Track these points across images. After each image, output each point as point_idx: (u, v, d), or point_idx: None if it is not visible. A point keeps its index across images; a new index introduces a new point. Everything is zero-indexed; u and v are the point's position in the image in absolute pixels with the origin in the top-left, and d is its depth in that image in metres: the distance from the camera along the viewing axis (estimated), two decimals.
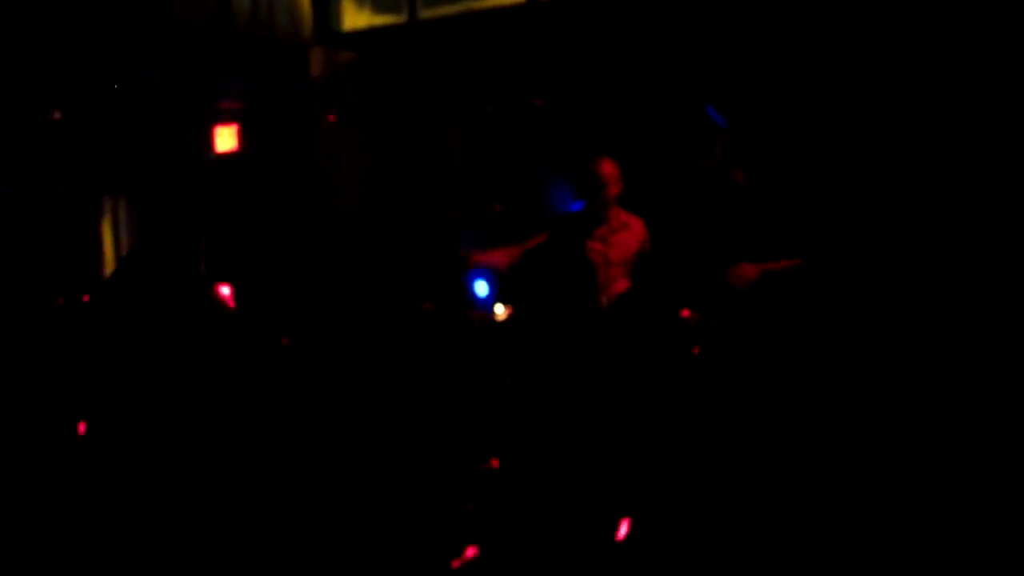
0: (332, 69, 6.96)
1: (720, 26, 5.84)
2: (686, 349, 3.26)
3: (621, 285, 4.39)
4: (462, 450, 3.17)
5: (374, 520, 3.04)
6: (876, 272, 3.51)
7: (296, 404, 3.53)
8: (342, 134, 7.10)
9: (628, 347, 3.36)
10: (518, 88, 6.67)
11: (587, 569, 2.75)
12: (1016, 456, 2.59)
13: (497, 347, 3.76)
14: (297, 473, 3.27)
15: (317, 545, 3.03)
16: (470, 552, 2.82)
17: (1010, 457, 2.60)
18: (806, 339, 3.17)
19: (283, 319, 4.22)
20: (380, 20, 6.91)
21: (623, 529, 2.71)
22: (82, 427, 3.60)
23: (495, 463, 3.09)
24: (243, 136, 7.15)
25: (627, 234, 4.47)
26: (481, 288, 4.19)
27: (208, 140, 7.17)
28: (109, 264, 7.21)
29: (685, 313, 3.50)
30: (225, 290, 4.10)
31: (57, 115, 6.95)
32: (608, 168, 4.42)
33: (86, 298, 4.64)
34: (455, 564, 2.81)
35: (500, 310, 4.11)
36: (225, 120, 7.15)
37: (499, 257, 4.45)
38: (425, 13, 6.73)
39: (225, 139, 7.16)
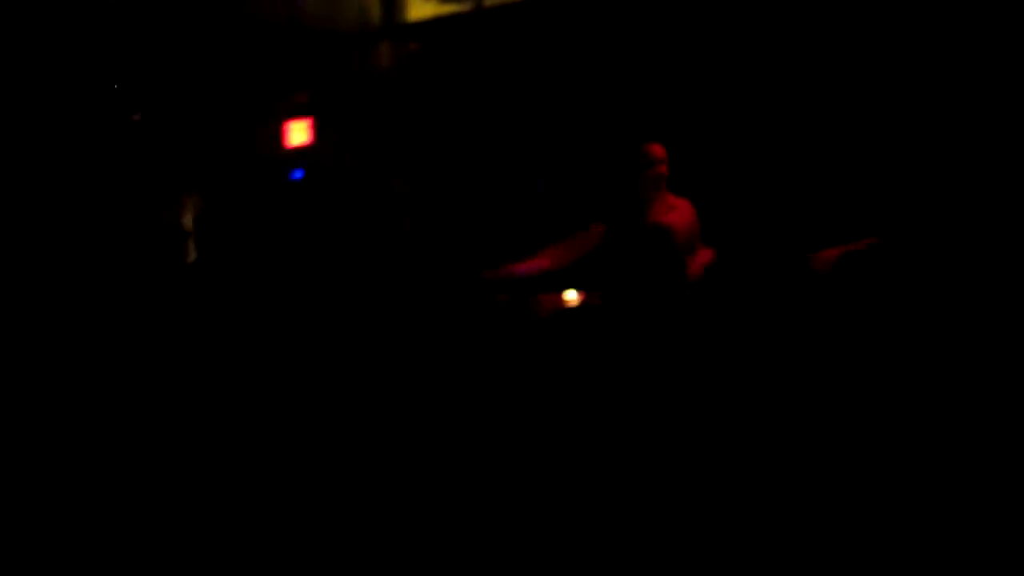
0: (399, 61, 7.02)
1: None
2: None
3: (704, 255, 4.29)
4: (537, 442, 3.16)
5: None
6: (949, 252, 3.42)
7: (363, 390, 3.57)
8: (408, 125, 7.17)
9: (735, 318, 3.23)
10: (584, 78, 6.65)
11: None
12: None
13: (573, 334, 3.74)
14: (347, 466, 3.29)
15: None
16: None
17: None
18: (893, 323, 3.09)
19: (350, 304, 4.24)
20: (446, 9, 6.94)
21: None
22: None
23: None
24: (315, 130, 7.26)
25: (678, 215, 4.41)
26: None
27: (281, 135, 7.31)
28: (191, 255, 7.40)
29: (822, 258, 3.31)
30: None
31: (137, 116, 7.14)
32: (660, 149, 4.39)
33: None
34: None
35: (572, 296, 4.08)
36: (297, 115, 7.27)
37: (544, 261, 4.39)
38: (491, 1, 6.74)
39: (298, 134, 7.29)
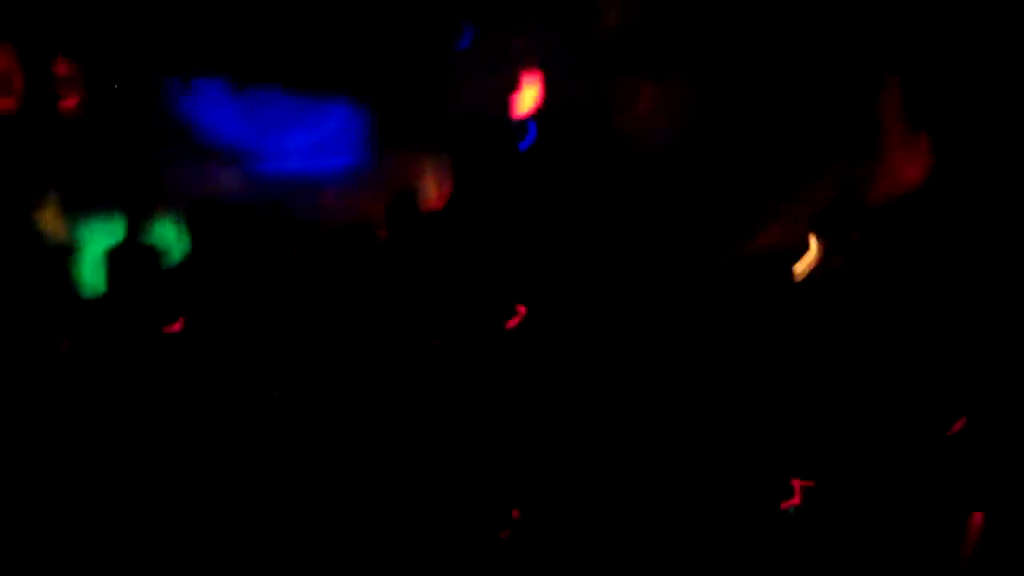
0: (629, 20, 6.56)
1: None
2: None
3: None
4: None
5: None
6: None
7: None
8: (641, 88, 6.69)
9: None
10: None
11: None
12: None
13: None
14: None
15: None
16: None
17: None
18: None
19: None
20: None
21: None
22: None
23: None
24: (545, 97, 7.01)
25: None
26: None
27: (510, 101, 7.14)
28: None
29: None
30: None
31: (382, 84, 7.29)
32: None
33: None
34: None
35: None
36: (527, 81, 7.06)
37: None
38: None
39: (527, 100, 7.08)
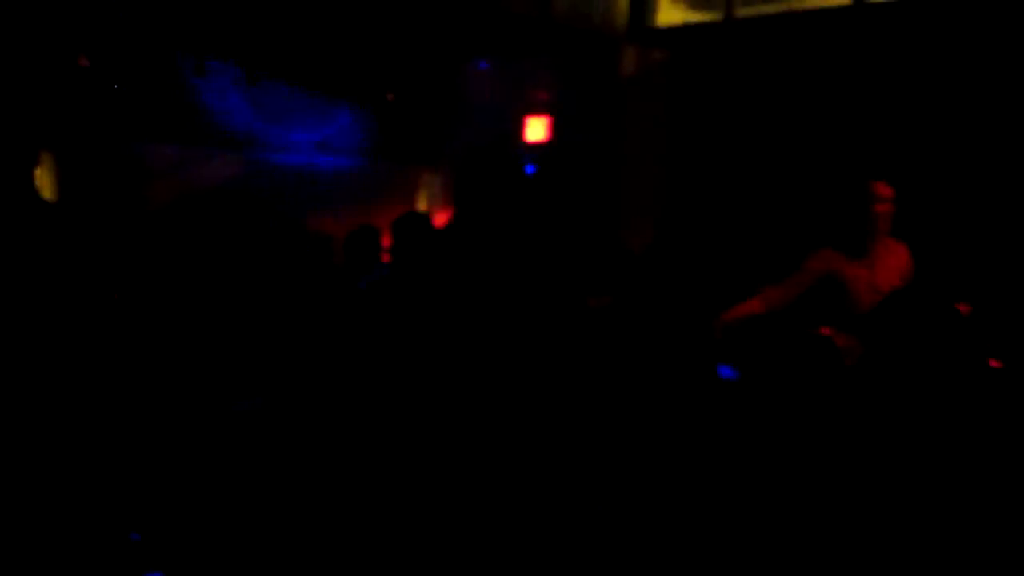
0: (644, 66, 6.79)
1: None
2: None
3: None
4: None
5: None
6: None
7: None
8: (649, 133, 6.91)
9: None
10: (831, 96, 6.07)
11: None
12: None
13: None
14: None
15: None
16: None
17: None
18: None
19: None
20: (695, 17, 6.60)
21: None
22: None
23: None
24: (554, 128, 7.23)
25: (893, 259, 4.01)
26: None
27: (520, 129, 7.35)
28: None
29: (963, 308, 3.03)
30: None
31: (391, 96, 7.50)
32: (889, 188, 3.98)
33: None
34: None
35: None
36: (537, 111, 7.28)
37: (755, 306, 4.10)
38: (742, 11, 6.33)
39: (536, 129, 7.29)
